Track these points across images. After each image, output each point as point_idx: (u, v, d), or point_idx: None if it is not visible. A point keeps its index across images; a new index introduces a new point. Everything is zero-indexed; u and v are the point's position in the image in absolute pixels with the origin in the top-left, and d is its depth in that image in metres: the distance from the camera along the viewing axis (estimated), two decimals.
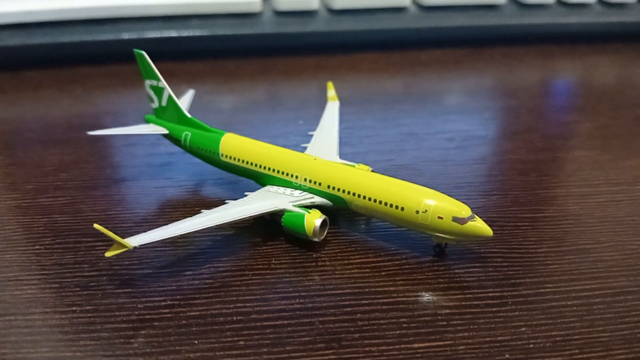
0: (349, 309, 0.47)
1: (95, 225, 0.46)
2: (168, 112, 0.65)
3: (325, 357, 0.43)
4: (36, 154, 0.71)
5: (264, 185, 0.59)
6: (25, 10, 0.90)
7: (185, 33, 0.93)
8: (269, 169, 0.58)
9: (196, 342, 0.44)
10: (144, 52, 0.64)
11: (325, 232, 0.54)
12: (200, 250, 0.54)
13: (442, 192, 0.51)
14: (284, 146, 0.60)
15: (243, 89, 0.90)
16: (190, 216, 0.52)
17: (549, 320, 0.46)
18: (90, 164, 0.69)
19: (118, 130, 0.67)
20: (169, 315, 0.47)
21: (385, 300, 0.48)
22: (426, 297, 0.48)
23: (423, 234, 0.52)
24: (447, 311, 0.47)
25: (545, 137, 0.76)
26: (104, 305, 0.47)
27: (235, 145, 0.61)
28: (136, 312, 0.47)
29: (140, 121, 0.70)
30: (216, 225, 0.51)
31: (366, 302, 0.48)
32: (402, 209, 0.51)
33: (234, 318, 0.46)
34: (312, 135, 0.67)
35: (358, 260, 0.52)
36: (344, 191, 0.54)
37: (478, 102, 0.87)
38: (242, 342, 0.44)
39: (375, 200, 0.52)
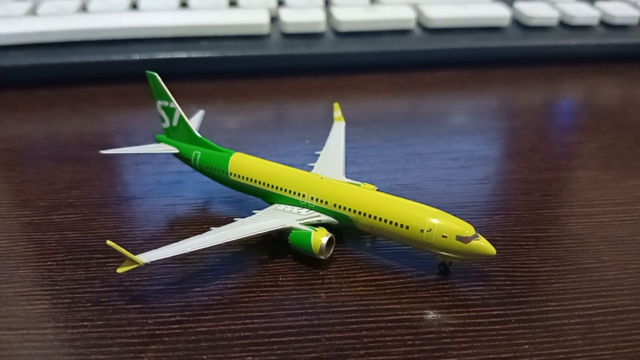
0: (354, 326, 0.48)
1: (108, 242, 0.47)
2: (179, 132, 0.67)
3: None
4: (48, 171, 0.72)
5: (271, 203, 0.60)
6: (38, 31, 0.92)
7: (194, 54, 0.95)
8: (277, 187, 0.59)
9: (205, 357, 0.45)
10: (155, 74, 0.65)
11: (332, 250, 0.55)
12: (209, 267, 0.55)
13: (446, 211, 0.52)
14: (291, 165, 0.61)
15: (251, 109, 0.91)
16: (200, 234, 0.53)
17: (552, 338, 0.47)
18: (101, 181, 0.70)
19: (130, 149, 0.69)
20: (179, 330, 0.47)
21: (390, 318, 0.49)
22: (431, 314, 0.49)
23: (428, 252, 0.53)
24: (452, 329, 0.48)
25: (549, 157, 0.76)
26: (115, 321, 0.48)
27: (244, 165, 0.62)
28: (146, 328, 0.48)
29: (150, 140, 0.71)
30: (225, 243, 0.52)
31: (372, 319, 0.49)
32: (407, 227, 0.52)
33: (242, 334, 0.47)
34: (318, 155, 0.68)
35: (364, 278, 0.53)
36: (349, 210, 0.55)
37: (482, 123, 0.88)
38: (249, 358, 0.45)
39: (380, 219, 0.53)
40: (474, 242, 0.50)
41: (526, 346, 0.46)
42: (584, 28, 1.05)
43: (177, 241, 0.51)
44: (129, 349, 0.46)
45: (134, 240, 0.59)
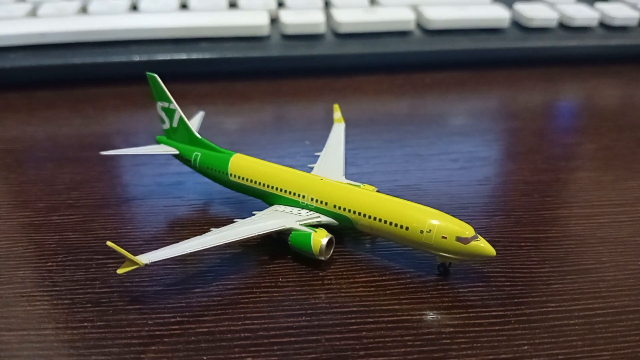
0: (354, 327, 0.48)
1: (108, 243, 0.47)
2: (179, 133, 0.67)
3: None
4: (48, 172, 0.72)
5: (271, 204, 0.60)
6: (38, 32, 0.93)
7: (195, 55, 0.95)
8: (277, 188, 0.59)
9: (205, 358, 0.45)
10: (156, 75, 0.65)
11: (331, 251, 0.55)
12: (209, 268, 0.55)
13: (446, 212, 0.52)
14: (291, 166, 0.62)
15: (251, 110, 0.91)
16: (200, 234, 0.53)
17: (551, 339, 0.47)
18: (101, 182, 0.70)
19: (130, 150, 0.69)
20: (179, 331, 0.48)
21: (390, 319, 0.49)
22: (430, 315, 0.49)
23: (427, 253, 0.53)
24: (451, 330, 0.48)
25: (548, 158, 0.76)
26: (115, 322, 0.48)
27: (244, 166, 0.62)
28: (146, 329, 0.48)
29: (150, 141, 0.71)
30: (225, 244, 0.52)
31: (371, 320, 0.49)
32: (407, 228, 0.52)
33: (242, 335, 0.47)
34: (318, 156, 0.68)
35: (363, 279, 0.53)
36: (349, 211, 0.55)
37: (482, 124, 0.88)
38: (249, 359, 0.45)
39: (380, 220, 0.53)
40: (473, 243, 0.50)
41: (526, 347, 0.46)
42: (583, 29, 1.05)
43: (177, 242, 0.52)
44: (129, 349, 0.46)
45: (134, 241, 0.59)
